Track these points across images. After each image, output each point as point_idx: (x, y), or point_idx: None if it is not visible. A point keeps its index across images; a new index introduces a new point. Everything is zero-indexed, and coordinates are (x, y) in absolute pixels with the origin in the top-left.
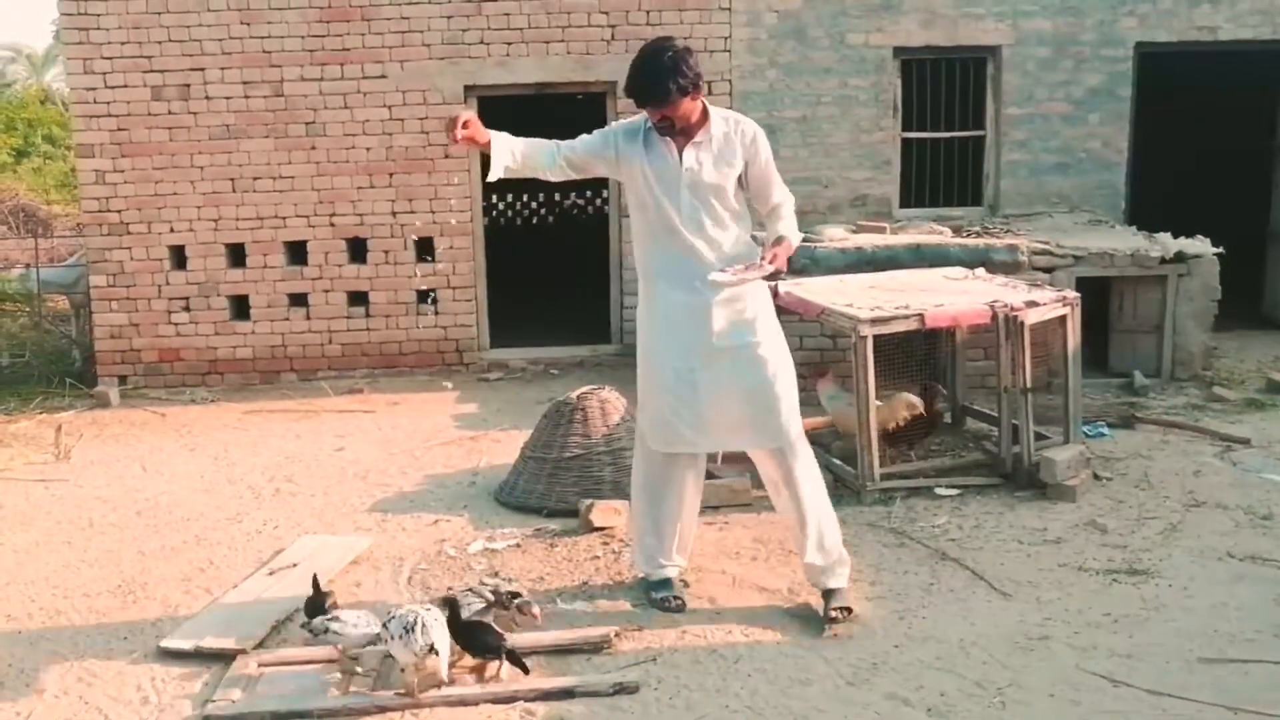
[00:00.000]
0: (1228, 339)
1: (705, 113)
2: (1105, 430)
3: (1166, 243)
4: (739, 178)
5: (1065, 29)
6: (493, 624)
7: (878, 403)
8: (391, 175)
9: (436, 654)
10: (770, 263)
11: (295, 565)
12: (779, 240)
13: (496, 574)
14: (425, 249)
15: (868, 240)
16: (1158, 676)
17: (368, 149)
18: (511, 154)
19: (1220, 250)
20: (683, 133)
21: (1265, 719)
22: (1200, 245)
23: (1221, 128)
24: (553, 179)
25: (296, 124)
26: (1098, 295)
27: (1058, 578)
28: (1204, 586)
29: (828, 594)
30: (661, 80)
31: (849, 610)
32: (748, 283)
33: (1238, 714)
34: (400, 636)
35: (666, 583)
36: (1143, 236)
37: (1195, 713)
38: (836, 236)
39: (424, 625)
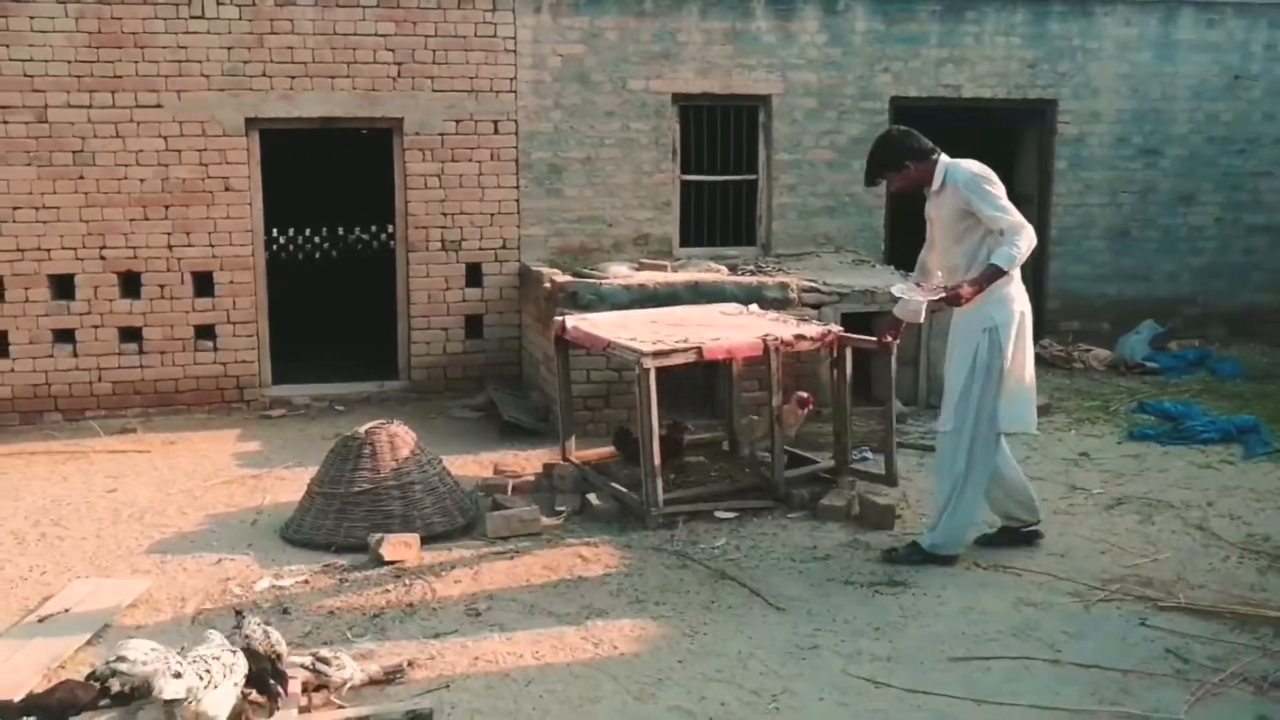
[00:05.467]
0: None
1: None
2: (869, 454)
3: (898, 287)
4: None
5: (829, 82)
6: (263, 647)
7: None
8: (168, 208)
9: (175, 705)
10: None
11: (67, 610)
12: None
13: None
14: (204, 284)
15: (649, 277)
16: (914, 676)
17: (142, 180)
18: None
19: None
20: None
21: (1005, 708)
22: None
23: None
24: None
25: (62, 152)
26: (861, 330)
27: (826, 591)
28: (954, 594)
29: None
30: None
31: (896, 550)
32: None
33: (982, 705)
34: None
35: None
36: (900, 275)
37: (946, 706)
38: (620, 274)
39: (171, 675)
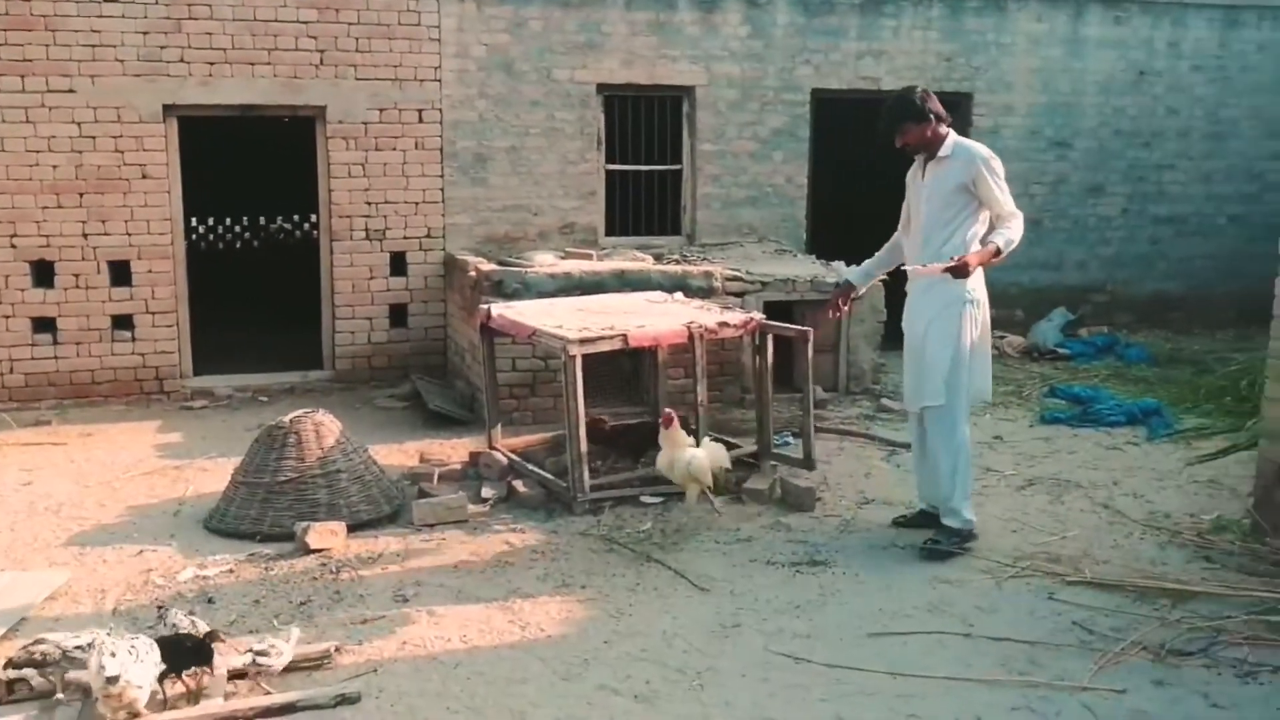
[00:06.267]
0: (894, 357)
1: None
2: (790, 439)
3: (840, 269)
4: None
5: (751, 74)
6: (190, 631)
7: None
8: (82, 195)
9: (113, 683)
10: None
11: None
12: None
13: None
14: (122, 273)
15: (575, 266)
16: (833, 652)
17: (54, 166)
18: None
19: (884, 276)
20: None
21: (920, 680)
22: None
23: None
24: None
25: None
26: (782, 317)
27: (749, 572)
28: (872, 573)
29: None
30: (893, 116)
31: (938, 541)
32: (932, 275)
33: (898, 678)
34: (95, 666)
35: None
36: (820, 264)
37: (864, 680)
38: (546, 262)
39: (109, 654)
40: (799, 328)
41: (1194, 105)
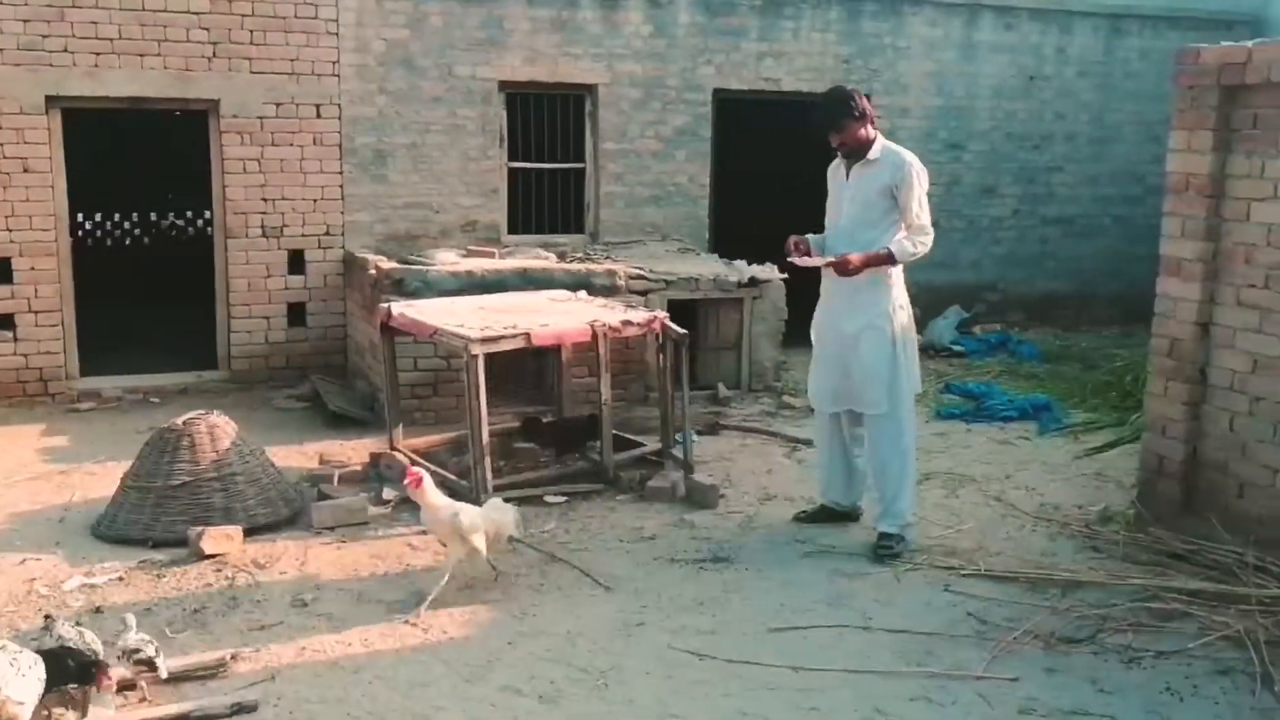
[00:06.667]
0: (795, 354)
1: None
2: (695, 437)
3: (742, 269)
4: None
5: (653, 73)
6: (77, 645)
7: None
8: None
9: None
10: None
11: None
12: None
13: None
14: (2, 271)
15: (478, 264)
16: (736, 647)
17: None
18: None
19: (786, 275)
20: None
21: (820, 673)
22: (769, 271)
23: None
24: None
25: None
26: (686, 315)
27: (653, 570)
28: (774, 569)
29: (879, 535)
30: (832, 112)
31: (890, 547)
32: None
33: (799, 672)
34: None
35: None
36: (723, 263)
37: (766, 675)
38: (448, 261)
39: None
40: (679, 330)
41: (1080, 110)
